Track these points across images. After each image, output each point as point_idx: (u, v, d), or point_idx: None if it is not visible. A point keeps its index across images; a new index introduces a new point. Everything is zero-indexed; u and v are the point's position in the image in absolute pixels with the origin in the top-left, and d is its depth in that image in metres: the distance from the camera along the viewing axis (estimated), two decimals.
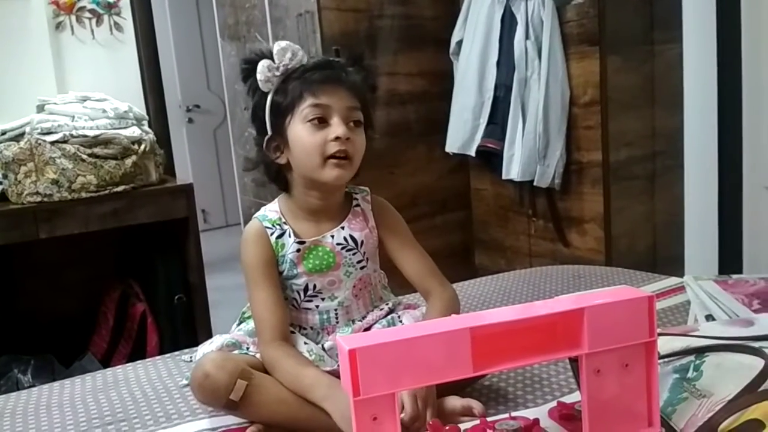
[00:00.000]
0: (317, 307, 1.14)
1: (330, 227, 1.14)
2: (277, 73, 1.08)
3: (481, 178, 2.89)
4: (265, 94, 1.10)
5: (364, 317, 1.16)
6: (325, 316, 1.14)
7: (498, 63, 2.50)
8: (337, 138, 1.05)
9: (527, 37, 2.39)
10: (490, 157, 2.62)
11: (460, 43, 2.68)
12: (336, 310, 1.14)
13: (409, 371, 0.70)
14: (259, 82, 1.09)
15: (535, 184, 2.44)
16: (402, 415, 0.93)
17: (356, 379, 0.68)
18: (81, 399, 1.22)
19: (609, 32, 2.27)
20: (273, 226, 1.13)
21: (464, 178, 2.95)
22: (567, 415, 0.88)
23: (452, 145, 2.69)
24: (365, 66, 1.15)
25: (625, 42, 2.33)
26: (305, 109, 1.06)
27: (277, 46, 1.08)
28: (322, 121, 1.06)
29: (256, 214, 1.16)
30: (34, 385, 1.64)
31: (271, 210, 1.15)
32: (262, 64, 1.08)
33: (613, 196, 2.37)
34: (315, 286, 1.13)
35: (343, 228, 1.14)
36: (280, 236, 1.12)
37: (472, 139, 2.61)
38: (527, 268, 2.00)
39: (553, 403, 0.94)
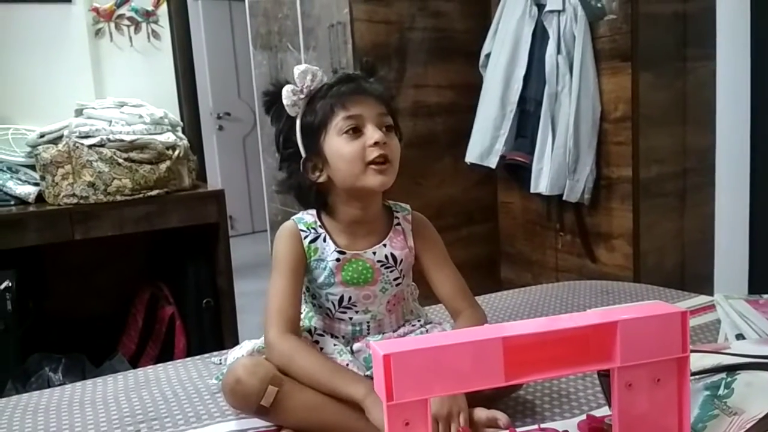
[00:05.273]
0: (350, 318, 1.16)
1: (370, 242, 1.14)
2: (302, 96, 1.10)
3: (508, 191, 2.88)
4: (293, 119, 1.12)
5: (395, 330, 1.18)
6: (357, 328, 1.16)
7: (528, 77, 2.50)
8: (375, 143, 1.07)
9: (559, 51, 2.39)
10: (517, 171, 2.62)
11: (489, 55, 2.69)
12: (368, 322, 1.16)
13: (441, 378, 0.71)
14: (287, 108, 1.10)
15: (564, 198, 2.44)
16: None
17: (390, 383, 0.69)
18: (113, 397, 1.24)
19: (641, 48, 2.26)
20: (307, 229, 1.14)
21: (491, 191, 2.95)
22: (597, 429, 0.89)
23: (471, 155, 2.68)
24: (379, 78, 1.17)
25: (657, 58, 2.32)
26: (339, 122, 1.07)
27: (296, 71, 1.10)
28: (357, 131, 1.08)
29: (293, 216, 1.17)
30: (65, 383, 1.67)
31: (309, 214, 1.16)
32: (287, 89, 1.10)
33: (642, 213, 2.35)
34: (350, 298, 1.14)
35: (385, 245, 1.15)
36: (314, 240, 1.13)
37: (491, 150, 2.60)
38: (554, 283, 2.00)
39: (582, 417, 0.94)
